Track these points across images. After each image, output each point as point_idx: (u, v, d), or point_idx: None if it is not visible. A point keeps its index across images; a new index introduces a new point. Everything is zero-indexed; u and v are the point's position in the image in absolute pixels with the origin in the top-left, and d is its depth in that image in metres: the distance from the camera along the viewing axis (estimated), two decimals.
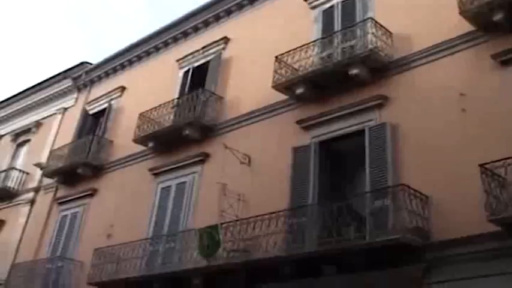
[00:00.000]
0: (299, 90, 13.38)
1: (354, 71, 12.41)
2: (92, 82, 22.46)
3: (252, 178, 13.70)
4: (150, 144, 16.74)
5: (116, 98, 20.57)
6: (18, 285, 17.92)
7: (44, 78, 24.29)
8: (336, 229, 10.62)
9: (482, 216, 9.17)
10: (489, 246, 9.23)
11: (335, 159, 12.69)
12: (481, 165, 9.38)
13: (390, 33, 12.70)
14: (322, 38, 13.86)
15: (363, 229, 10.50)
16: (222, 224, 12.53)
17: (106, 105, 20.59)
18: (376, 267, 10.26)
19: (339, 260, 10.65)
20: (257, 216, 12.02)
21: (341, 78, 12.73)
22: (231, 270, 12.08)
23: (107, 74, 21.85)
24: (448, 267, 9.64)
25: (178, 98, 17.02)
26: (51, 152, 20.89)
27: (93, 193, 18.46)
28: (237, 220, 12.51)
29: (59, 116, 23.02)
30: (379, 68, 12.45)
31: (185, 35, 19.12)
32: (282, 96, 13.98)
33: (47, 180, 20.71)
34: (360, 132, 12.12)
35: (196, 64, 17.82)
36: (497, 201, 9.09)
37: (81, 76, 22.73)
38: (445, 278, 9.62)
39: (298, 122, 13.36)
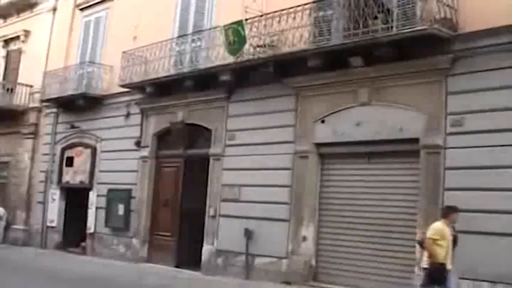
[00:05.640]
0: None
1: None
2: None
3: None
4: None
5: None
6: (54, 93, 18.55)
7: None
8: (363, 21, 10.47)
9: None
10: None
11: None
12: None
13: None
14: None
15: (390, 21, 10.33)
16: (246, 19, 12.39)
17: None
18: (403, 58, 10.35)
19: (366, 52, 10.68)
20: (282, 10, 11.86)
21: None
22: (259, 64, 12.28)
23: None
24: (476, 58, 9.63)
25: None
26: None
27: None
28: (261, 15, 12.35)
29: None
30: None
31: None
32: None
33: None
34: None
35: None
36: None
37: None
38: (472, 69, 9.66)
39: None
